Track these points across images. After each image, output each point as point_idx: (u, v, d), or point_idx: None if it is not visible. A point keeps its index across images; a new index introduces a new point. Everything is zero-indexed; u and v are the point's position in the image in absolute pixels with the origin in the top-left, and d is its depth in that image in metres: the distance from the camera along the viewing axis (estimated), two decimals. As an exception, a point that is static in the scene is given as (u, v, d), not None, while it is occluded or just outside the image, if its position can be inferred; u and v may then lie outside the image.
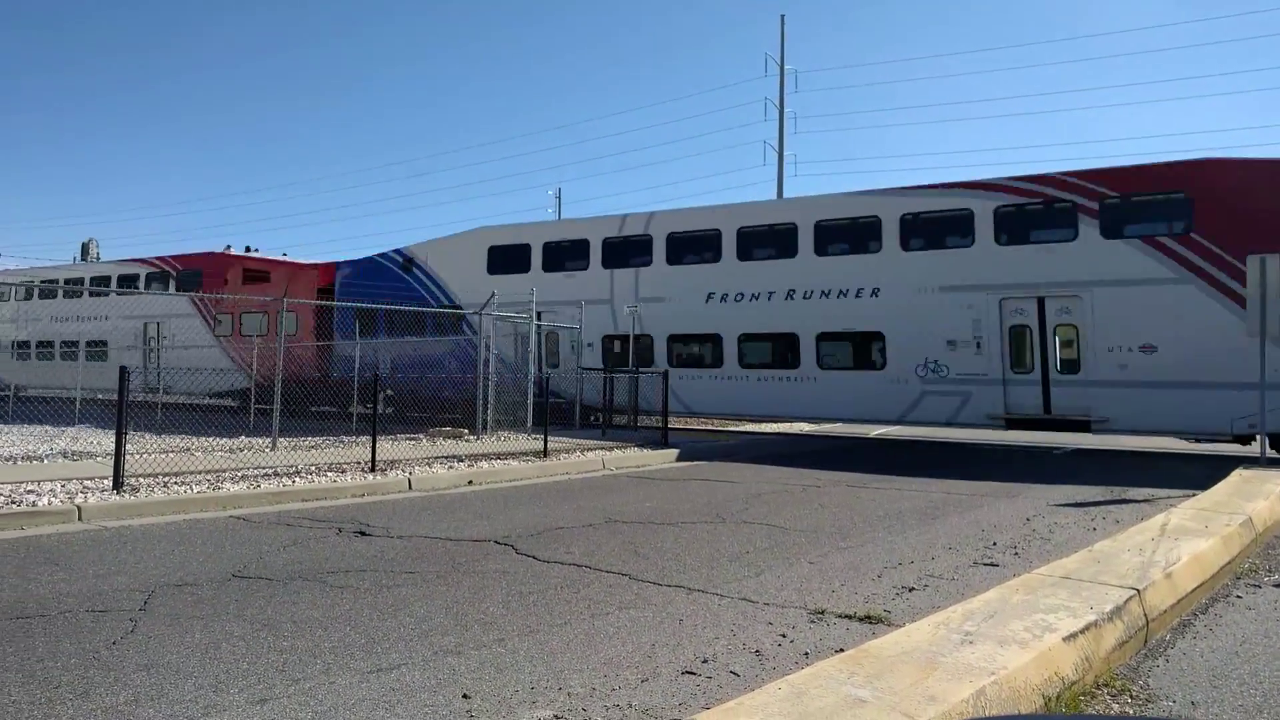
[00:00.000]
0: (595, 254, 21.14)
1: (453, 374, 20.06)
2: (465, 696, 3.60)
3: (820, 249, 18.52)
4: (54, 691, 3.56)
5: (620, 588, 5.59)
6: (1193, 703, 3.79)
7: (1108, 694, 3.83)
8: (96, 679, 3.72)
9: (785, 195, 37.76)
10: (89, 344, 27.97)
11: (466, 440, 15.82)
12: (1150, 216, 15.83)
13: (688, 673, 3.96)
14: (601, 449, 15.02)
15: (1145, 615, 4.66)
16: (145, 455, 9.97)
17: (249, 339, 23.69)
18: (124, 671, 3.81)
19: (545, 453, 13.79)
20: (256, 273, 26.70)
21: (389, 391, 18.15)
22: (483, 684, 3.75)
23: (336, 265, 26.12)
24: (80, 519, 7.71)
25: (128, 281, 28.31)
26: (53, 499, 8.21)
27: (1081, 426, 15.95)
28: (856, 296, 17.95)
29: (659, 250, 20.38)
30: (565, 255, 21.66)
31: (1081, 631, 4.01)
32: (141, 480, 9.30)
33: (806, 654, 4.23)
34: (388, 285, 23.85)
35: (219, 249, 27.85)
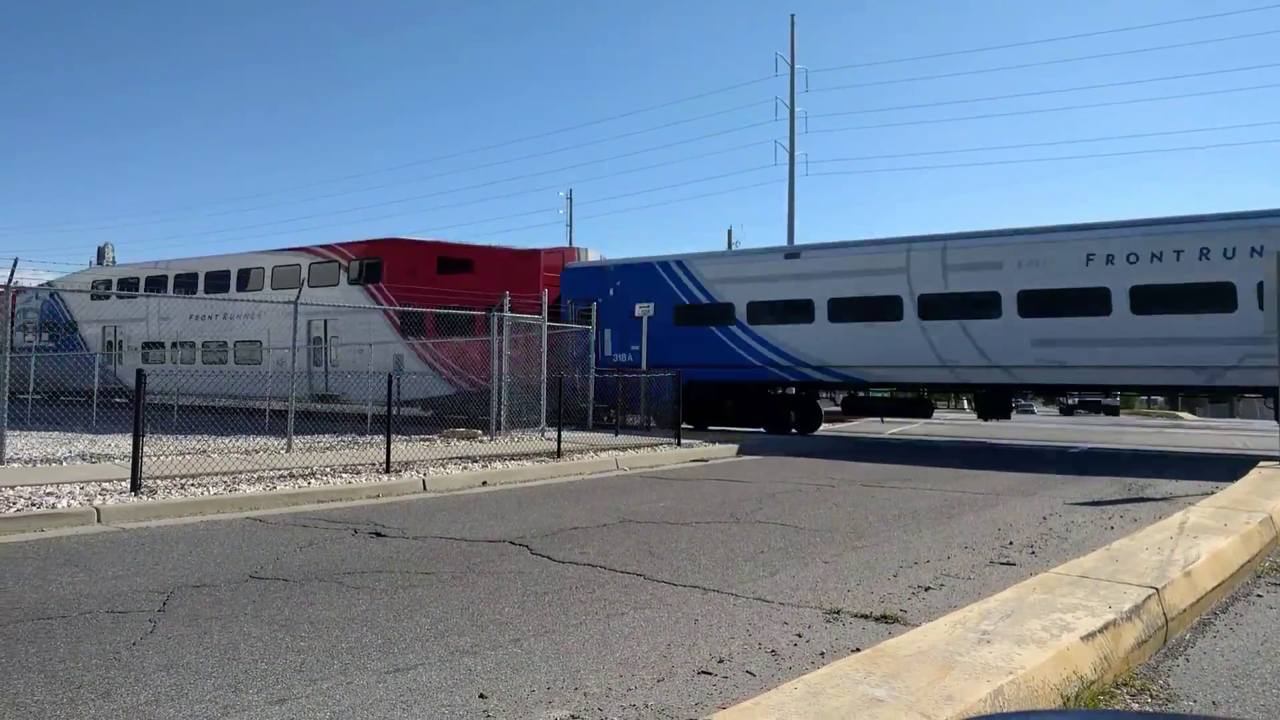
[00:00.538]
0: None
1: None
2: (482, 696, 3.61)
3: None
4: (76, 691, 3.60)
5: (635, 588, 5.59)
6: (1214, 702, 3.76)
7: (1127, 693, 3.81)
8: (117, 679, 3.75)
9: (796, 196, 37.65)
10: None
11: (480, 441, 15.86)
12: (367, 273, 24.84)
13: (703, 672, 3.95)
14: (615, 449, 15.03)
15: (1164, 614, 4.62)
16: (162, 458, 10.04)
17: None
18: (144, 672, 3.84)
19: (559, 453, 13.81)
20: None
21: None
22: (499, 684, 3.76)
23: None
24: (99, 521, 7.77)
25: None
26: (72, 501, 8.28)
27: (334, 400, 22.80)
28: None
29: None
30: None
31: (1100, 631, 3.98)
32: (159, 482, 9.37)
33: (822, 654, 4.22)
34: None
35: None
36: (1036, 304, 17.66)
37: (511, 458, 13.38)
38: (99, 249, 48.70)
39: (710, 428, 21.89)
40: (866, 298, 19.57)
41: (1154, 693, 3.84)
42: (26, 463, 11.18)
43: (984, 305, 18.18)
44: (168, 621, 4.66)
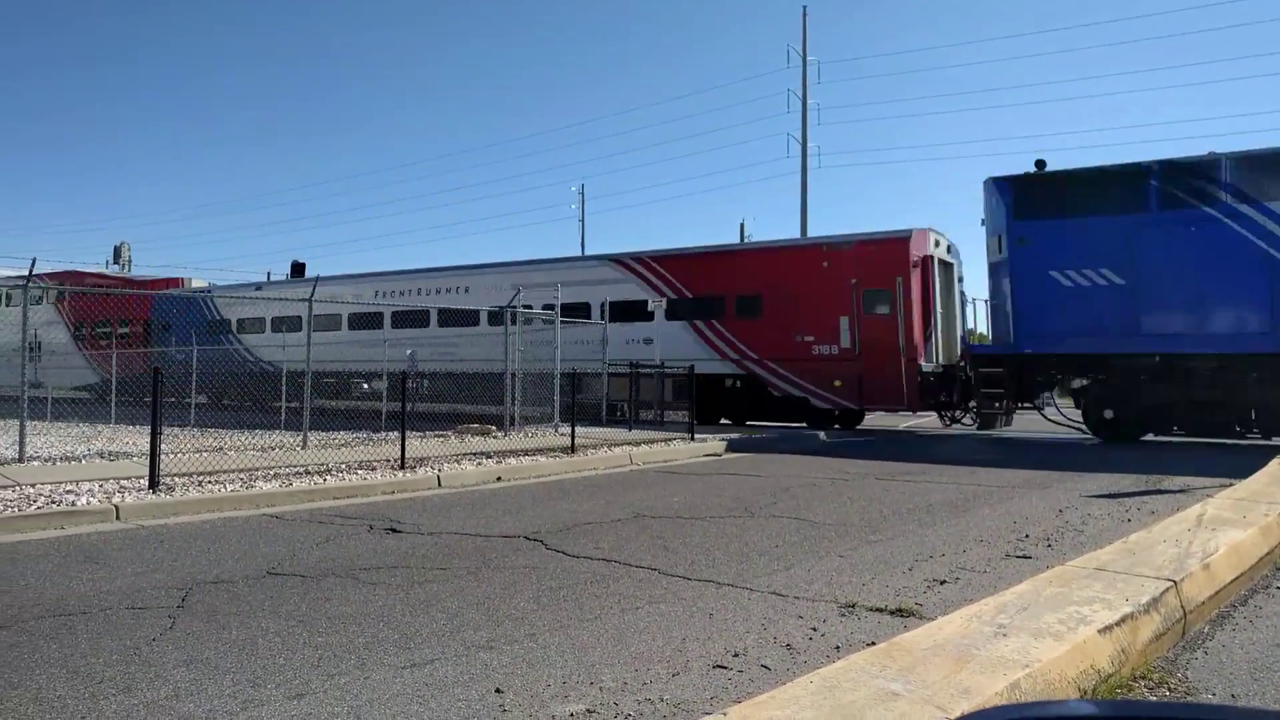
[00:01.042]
0: None
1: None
2: (498, 691, 3.63)
3: None
4: (97, 687, 3.63)
5: (650, 582, 5.60)
6: (1233, 695, 3.74)
7: (1145, 686, 3.79)
8: (138, 675, 3.79)
9: (810, 189, 37.54)
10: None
11: (494, 437, 15.90)
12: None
13: (719, 667, 3.96)
14: (629, 444, 15.04)
15: (1183, 607, 4.59)
16: (180, 455, 10.11)
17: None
18: (164, 667, 3.88)
19: (573, 449, 13.83)
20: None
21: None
22: (515, 679, 3.78)
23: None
24: (118, 518, 7.84)
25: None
26: (91, 499, 8.36)
27: None
28: None
29: None
30: None
31: (1117, 624, 3.96)
32: (177, 480, 9.44)
33: (838, 647, 4.22)
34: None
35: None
36: None
37: (525, 453, 13.42)
38: (115, 248, 49.03)
39: (749, 422, 21.77)
40: None
41: (1172, 686, 3.82)
42: (46, 460, 11.29)
43: None
44: (186, 617, 4.70)
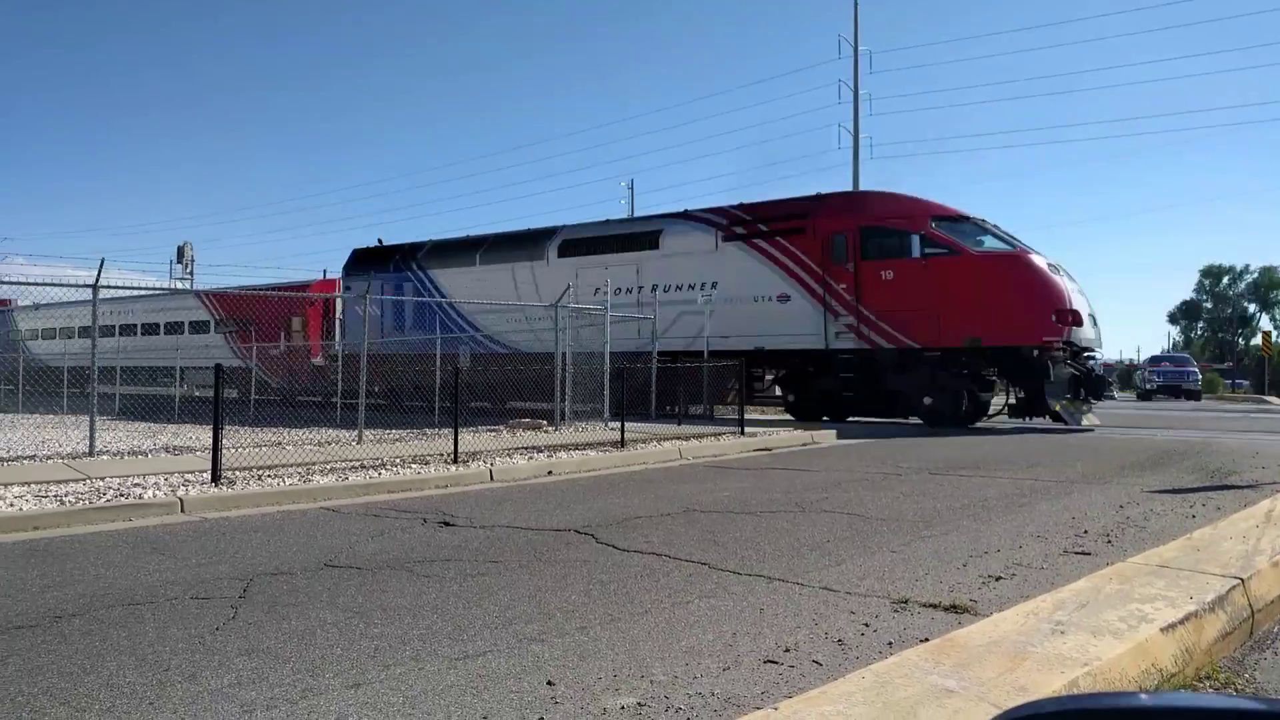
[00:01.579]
0: None
1: None
2: (549, 683, 3.66)
3: None
4: (164, 674, 3.76)
5: (700, 577, 5.60)
6: (1303, 697, 3.62)
7: (1209, 687, 3.69)
8: (202, 662, 3.90)
9: (861, 178, 37.05)
10: None
11: (545, 431, 16.03)
12: None
13: (769, 661, 3.95)
14: (678, 439, 15.04)
15: (1250, 606, 4.46)
16: (240, 449, 10.39)
17: None
18: (227, 655, 4.00)
19: (623, 443, 13.88)
20: None
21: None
22: (566, 671, 3.81)
23: None
24: (182, 510, 8.08)
25: None
26: (157, 492, 8.62)
27: None
28: None
29: None
30: None
31: (1181, 622, 3.86)
32: (237, 473, 9.70)
33: (890, 644, 4.17)
34: None
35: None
36: None
37: (576, 448, 13.50)
38: (178, 248, 50.37)
39: (825, 418, 21.11)
40: None
41: (1239, 686, 3.71)
42: (114, 454, 11.68)
43: None
44: (248, 608, 4.83)
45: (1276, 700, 1.09)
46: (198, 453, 11.75)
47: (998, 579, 5.52)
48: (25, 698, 3.48)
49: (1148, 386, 48.79)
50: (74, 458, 11.21)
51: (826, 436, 16.90)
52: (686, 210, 23.24)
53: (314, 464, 10.78)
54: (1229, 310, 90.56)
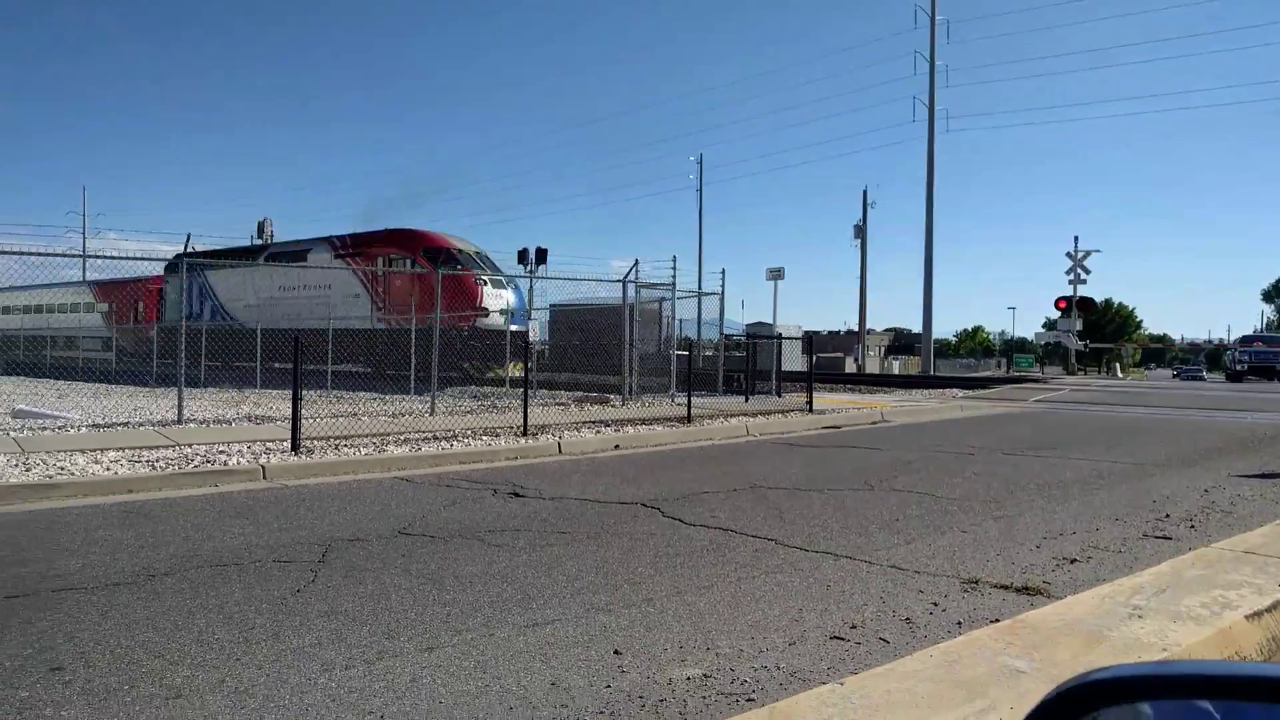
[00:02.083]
0: None
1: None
2: (616, 652, 3.72)
3: None
4: (249, 633, 3.93)
5: (766, 552, 5.61)
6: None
7: (1297, 677, 3.56)
8: (284, 622, 4.07)
9: (935, 153, 36.14)
10: None
11: (612, 406, 16.14)
12: None
13: (835, 638, 3.94)
14: (745, 415, 15.00)
15: (1343, 595, 4.28)
16: (318, 420, 10.71)
17: None
18: (308, 617, 4.16)
19: (689, 418, 13.90)
20: None
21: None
22: (633, 641, 3.87)
23: None
24: (264, 477, 8.39)
25: None
26: (241, 459, 8.97)
27: None
28: None
29: None
30: None
31: (1268, 610, 3.73)
32: (315, 443, 10.01)
33: (959, 623, 4.13)
34: None
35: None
36: None
37: (642, 422, 13.57)
38: (259, 223, 51.72)
39: None
40: None
41: (1328, 678, 3.57)
42: (201, 423, 12.17)
43: None
44: (327, 572, 5.01)
45: None
46: (278, 422, 12.16)
47: (1072, 561, 5.40)
48: (124, 649, 3.68)
49: (1238, 367, 46.76)
50: (164, 425, 11.73)
51: (896, 415, 16.66)
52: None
53: (388, 434, 11.07)
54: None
